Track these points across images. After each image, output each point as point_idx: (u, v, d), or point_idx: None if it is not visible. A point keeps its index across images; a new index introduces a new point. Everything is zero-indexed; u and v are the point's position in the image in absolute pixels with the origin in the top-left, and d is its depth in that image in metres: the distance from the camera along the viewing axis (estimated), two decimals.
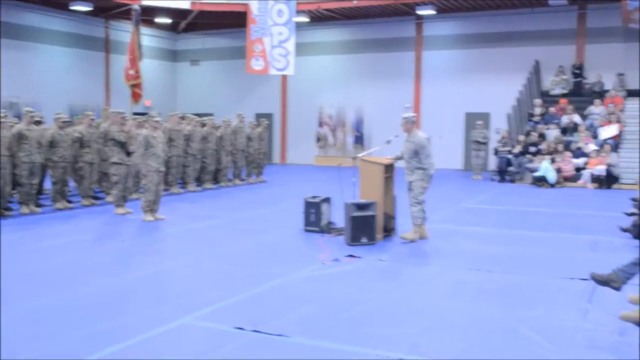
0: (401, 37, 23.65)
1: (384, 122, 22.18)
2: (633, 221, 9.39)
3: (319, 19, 24.05)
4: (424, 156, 8.60)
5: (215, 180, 15.80)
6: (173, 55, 28.04)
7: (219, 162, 15.65)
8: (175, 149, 14.08)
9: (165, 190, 12.90)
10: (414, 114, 9.37)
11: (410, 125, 8.80)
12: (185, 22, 26.12)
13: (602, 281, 5.33)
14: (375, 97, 23.74)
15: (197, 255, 7.78)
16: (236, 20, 22.74)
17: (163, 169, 10.62)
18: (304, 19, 22.99)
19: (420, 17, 23.06)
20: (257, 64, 20.56)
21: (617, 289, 5.30)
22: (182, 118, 15.11)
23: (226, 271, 6.97)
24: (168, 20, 25.24)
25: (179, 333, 4.84)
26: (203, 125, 15.32)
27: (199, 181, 15.29)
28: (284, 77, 24.62)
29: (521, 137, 18.93)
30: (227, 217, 11.03)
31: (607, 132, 18.18)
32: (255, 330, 4.83)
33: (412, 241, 8.61)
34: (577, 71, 21.01)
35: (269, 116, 24.86)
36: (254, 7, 20.47)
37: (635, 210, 10.17)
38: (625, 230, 9.27)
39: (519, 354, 4.51)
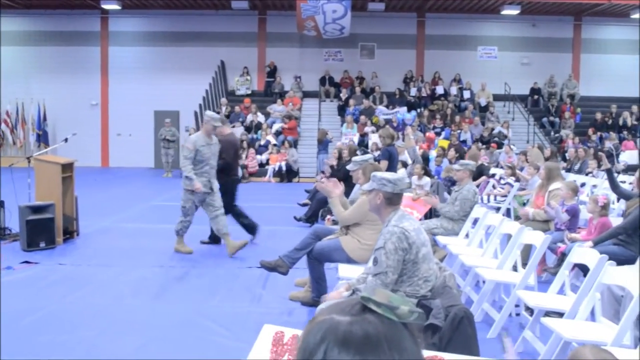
0: (85, 31, 22.66)
1: (69, 119, 21.23)
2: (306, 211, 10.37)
3: None
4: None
5: None
6: None
7: None
8: None
9: None
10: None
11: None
12: None
13: (271, 267, 5.80)
14: (59, 93, 22.34)
15: None
16: None
17: None
18: None
19: (105, 12, 22.37)
20: None
21: (284, 273, 5.82)
22: None
23: None
24: None
25: None
26: None
27: None
28: None
29: None
30: None
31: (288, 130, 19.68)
32: None
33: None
34: (271, 70, 22.29)
35: None
36: None
37: (308, 201, 11.21)
38: (298, 219, 10.18)
39: (196, 343, 4.72)
